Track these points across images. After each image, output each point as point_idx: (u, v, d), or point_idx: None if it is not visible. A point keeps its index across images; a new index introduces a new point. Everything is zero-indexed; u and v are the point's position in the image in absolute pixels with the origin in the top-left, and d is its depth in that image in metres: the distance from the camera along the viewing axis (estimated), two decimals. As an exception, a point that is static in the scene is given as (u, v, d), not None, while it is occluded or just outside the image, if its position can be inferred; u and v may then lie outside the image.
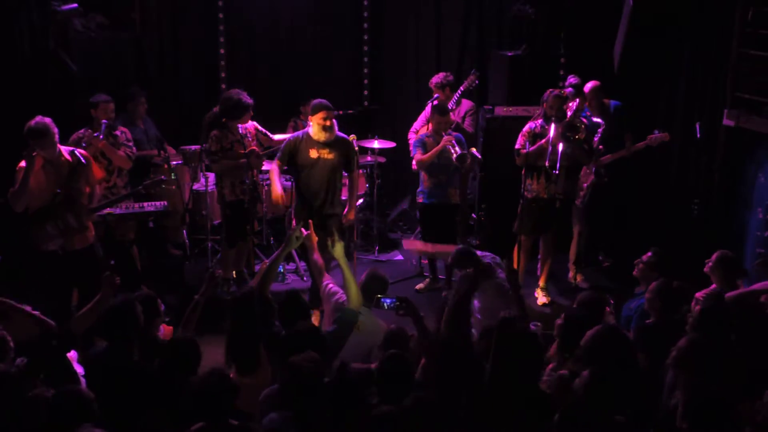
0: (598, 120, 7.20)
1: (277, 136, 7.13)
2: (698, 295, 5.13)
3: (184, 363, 4.02)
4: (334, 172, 6.55)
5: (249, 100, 6.71)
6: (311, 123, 6.46)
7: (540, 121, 6.84)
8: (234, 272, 7.27)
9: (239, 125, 6.82)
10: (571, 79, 7.45)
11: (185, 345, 4.14)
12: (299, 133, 6.63)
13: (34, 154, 5.46)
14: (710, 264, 5.26)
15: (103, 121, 6.45)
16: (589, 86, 7.37)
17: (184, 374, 3.97)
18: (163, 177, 6.53)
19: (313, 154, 6.48)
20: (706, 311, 4.29)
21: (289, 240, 5.28)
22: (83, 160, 5.73)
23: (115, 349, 4.18)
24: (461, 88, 7.71)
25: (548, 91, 6.82)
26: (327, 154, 6.48)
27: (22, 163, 5.56)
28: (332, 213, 6.59)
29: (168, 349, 4.20)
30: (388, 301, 4.55)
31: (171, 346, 4.23)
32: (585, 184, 7.25)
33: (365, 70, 9.43)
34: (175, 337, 4.51)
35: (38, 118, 5.53)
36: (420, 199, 7.25)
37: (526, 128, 6.88)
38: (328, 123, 6.43)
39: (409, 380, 3.88)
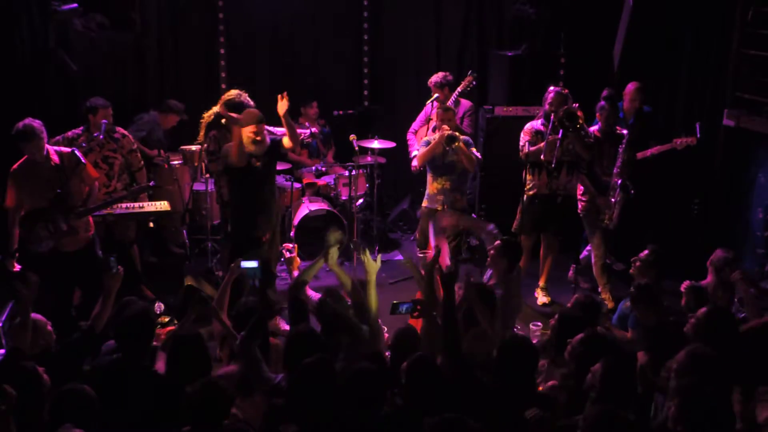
0: (623, 131, 6.79)
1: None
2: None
3: (193, 363, 4.02)
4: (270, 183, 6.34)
5: (250, 103, 6.69)
6: (243, 133, 6.05)
7: (542, 119, 6.83)
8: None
9: None
10: (605, 92, 7.29)
11: (190, 341, 4.13)
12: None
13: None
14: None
15: (103, 121, 6.44)
16: (631, 87, 7.22)
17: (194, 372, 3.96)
18: (151, 183, 6.44)
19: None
20: (707, 320, 4.23)
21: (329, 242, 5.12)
22: (75, 161, 5.75)
23: (128, 357, 4.14)
24: (458, 89, 7.70)
25: (550, 89, 6.80)
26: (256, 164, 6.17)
27: (14, 166, 5.67)
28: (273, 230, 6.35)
29: (173, 347, 4.19)
30: (405, 305, 4.53)
31: (176, 343, 4.22)
32: (613, 200, 6.73)
33: (365, 70, 9.43)
34: (179, 333, 4.46)
35: (27, 121, 5.58)
36: (425, 203, 6.96)
37: (528, 126, 6.85)
38: (259, 138, 6.09)
39: (438, 383, 3.85)
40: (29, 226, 5.67)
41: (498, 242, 5.46)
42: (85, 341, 4.42)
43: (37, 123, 5.59)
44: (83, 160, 5.80)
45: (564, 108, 6.58)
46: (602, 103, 6.90)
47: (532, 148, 6.70)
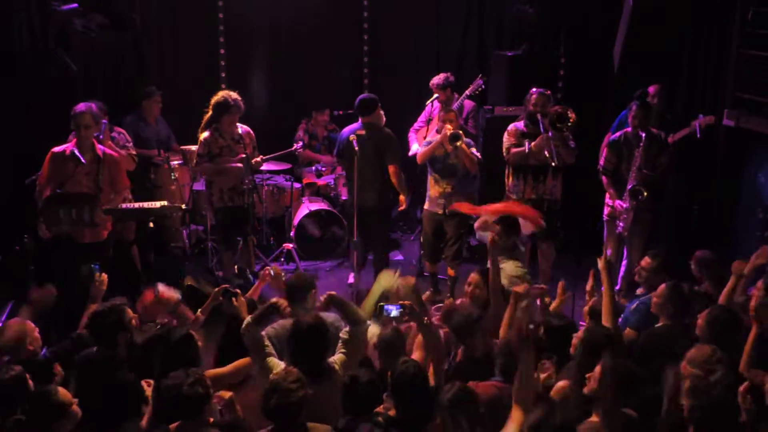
0: (643, 134, 6.59)
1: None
2: None
3: (181, 357, 4.01)
4: None
5: (240, 103, 6.66)
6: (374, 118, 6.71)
7: (525, 121, 6.75)
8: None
9: (236, 127, 6.76)
10: (638, 92, 7.23)
11: (181, 339, 4.13)
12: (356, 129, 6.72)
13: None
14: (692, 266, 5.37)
15: (103, 121, 6.45)
16: (652, 89, 7.20)
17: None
18: (183, 206, 6.67)
19: None
20: (710, 322, 4.29)
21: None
22: (114, 163, 5.97)
23: (102, 353, 4.17)
24: (467, 92, 7.69)
25: (532, 90, 6.74)
26: None
27: (57, 148, 5.83)
28: None
29: (164, 345, 4.18)
30: (392, 309, 4.40)
31: (166, 340, 4.22)
32: (625, 206, 6.61)
33: (365, 70, 9.42)
34: (169, 331, 4.46)
35: (92, 103, 5.93)
36: (426, 206, 6.98)
37: (512, 127, 6.80)
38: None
39: (426, 388, 3.84)
40: (53, 208, 5.77)
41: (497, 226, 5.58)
42: (74, 348, 4.38)
43: (96, 108, 5.91)
44: (110, 160, 5.97)
45: (556, 108, 6.56)
46: (632, 103, 6.78)
47: (513, 150, 6.65)
